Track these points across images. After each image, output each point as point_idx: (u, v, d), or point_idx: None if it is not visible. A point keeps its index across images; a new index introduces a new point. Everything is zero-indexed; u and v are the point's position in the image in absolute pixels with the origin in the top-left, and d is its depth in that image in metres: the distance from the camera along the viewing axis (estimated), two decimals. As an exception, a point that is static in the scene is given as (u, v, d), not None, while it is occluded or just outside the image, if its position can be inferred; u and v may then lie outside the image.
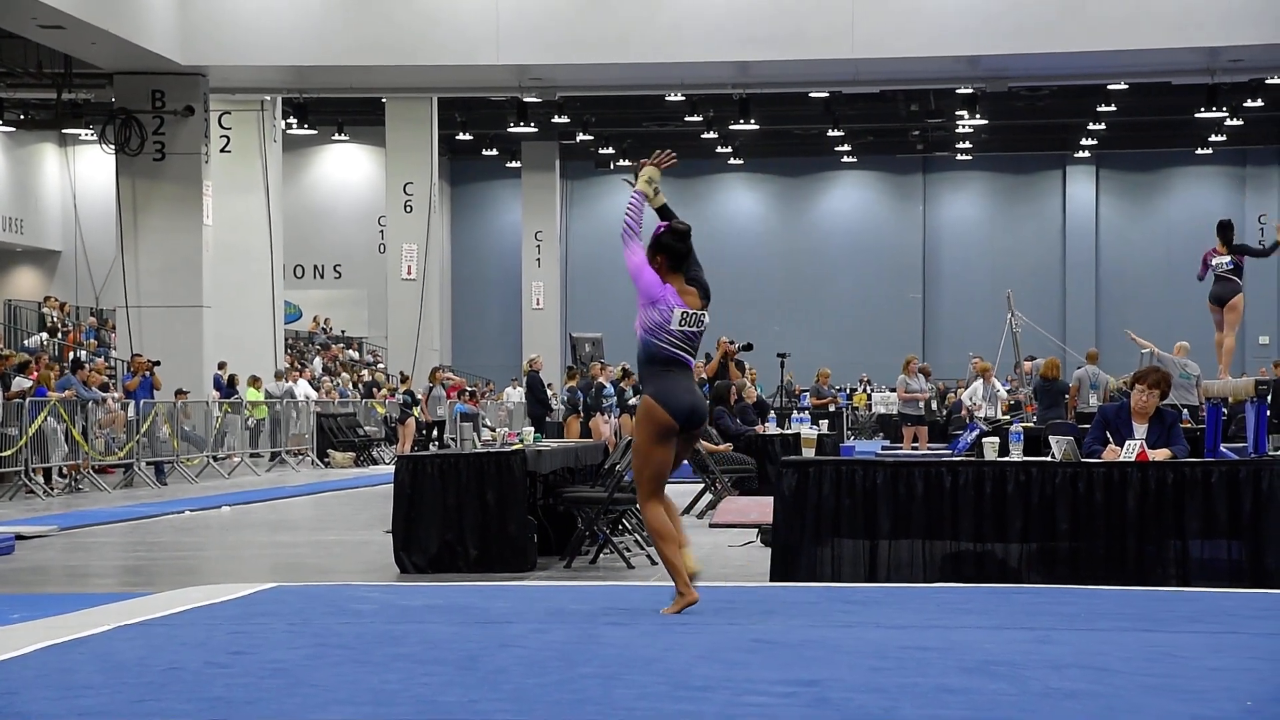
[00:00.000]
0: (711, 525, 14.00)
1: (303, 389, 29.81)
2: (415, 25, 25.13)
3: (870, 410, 38.38)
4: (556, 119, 34.88)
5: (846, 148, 44.97)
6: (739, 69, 26.01)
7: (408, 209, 35.16)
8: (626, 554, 10.84)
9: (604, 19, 24.92)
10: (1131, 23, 24.00)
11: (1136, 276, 47.02)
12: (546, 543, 11.01)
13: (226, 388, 27.17)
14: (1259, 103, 32.35)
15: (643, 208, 7.48)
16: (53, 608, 8.08)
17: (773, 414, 21.41)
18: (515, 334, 46.07)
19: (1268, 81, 29.73)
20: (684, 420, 7.31)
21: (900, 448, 24.80)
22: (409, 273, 34.94)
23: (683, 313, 7.29)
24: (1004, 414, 22.20)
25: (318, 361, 36.21)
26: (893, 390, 29.87)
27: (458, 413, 27.89)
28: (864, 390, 41.19)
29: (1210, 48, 24.32)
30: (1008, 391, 24.45)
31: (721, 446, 16.35)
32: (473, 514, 10.46)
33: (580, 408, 23.31)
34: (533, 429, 12.90)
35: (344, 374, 35.68)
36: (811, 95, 34.27)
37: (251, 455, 25.97)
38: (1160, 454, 9.05)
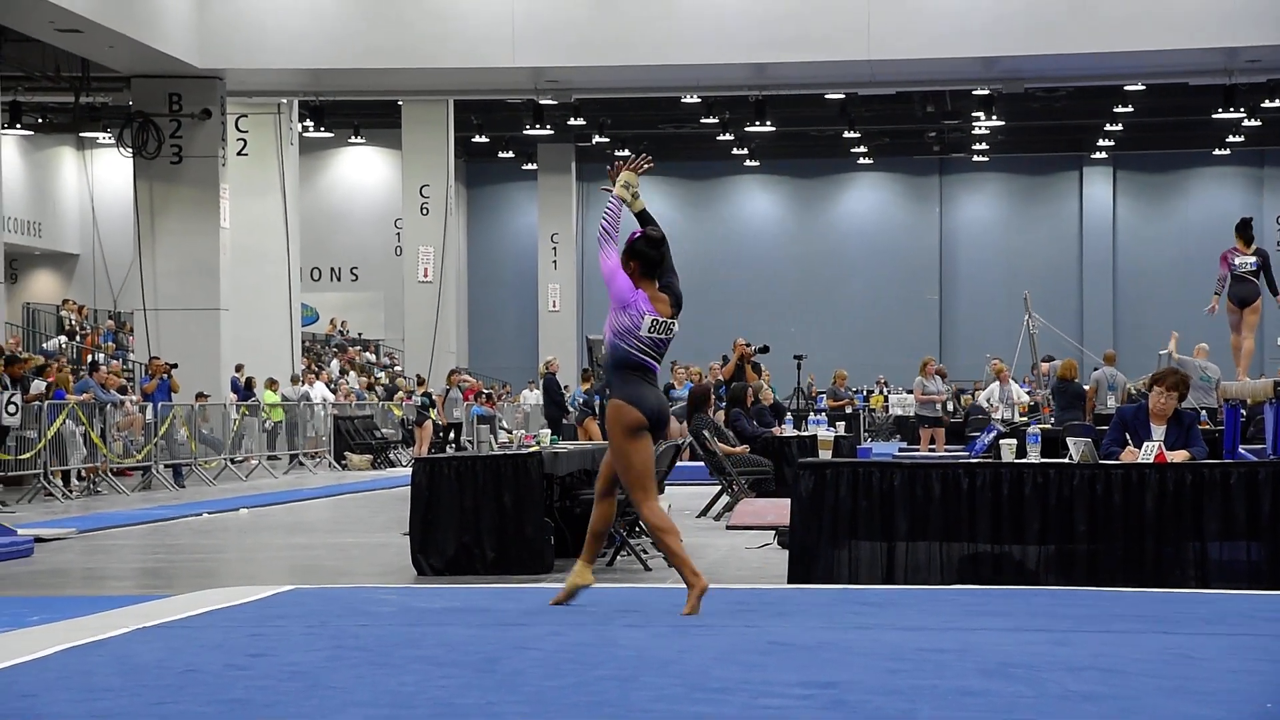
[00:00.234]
0: (728, 527, 13.99)
1: (319, 391, 29.86)
2: (431, 28, 25.16)
3: (887, 412, 38.30)
4: (572, 121, 34.91)
5: (862, 149, 44.93)
6: (755, 71, 26.00)
7: (424, 211, 35.20)
8: (644, 556, 10.84)
9: (619, 21, 24.92)
10: (1148, 23, 23.94)
11: (1154, 278, 46.90)
12: (564, 545, 11.01)
13: (244, 390, 27.23)
14: (1277, 103, 32.23)
15: (620, 212, 7.54)
16: (71, 610, 8.10)
17: (789, 416, 21.38)
18: (531, 336, 46.09)
19: (1286, 82, 29.65)
20: (652, 420, 7.39)
21: (917, 450, 24.77)
22: (425, 275, 34.96)
23: (653, 320, 7.37)
24: (1022, 416, 22.16)
25: (335, 364, 36.27)
26: (909, 392, 29.83)
27: (474, 415, 27.94)
28: (881, 392, 41.13)
29: (1228, 48, 24.24)
30: (1028, 393, 24.40)
31: (738, 449, 16.34)
32: (490, 516, 10.47)
33: (596, 410, 23.31)
34: (549, 431, 12.90)
35: (352, 374, 35.66)
36: (827, 97, 34.24)
37: (269, 458, 26.02)
38: (1179, 455, 9.03)
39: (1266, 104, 32.47)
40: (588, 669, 5.77)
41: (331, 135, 35.64)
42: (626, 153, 44.09)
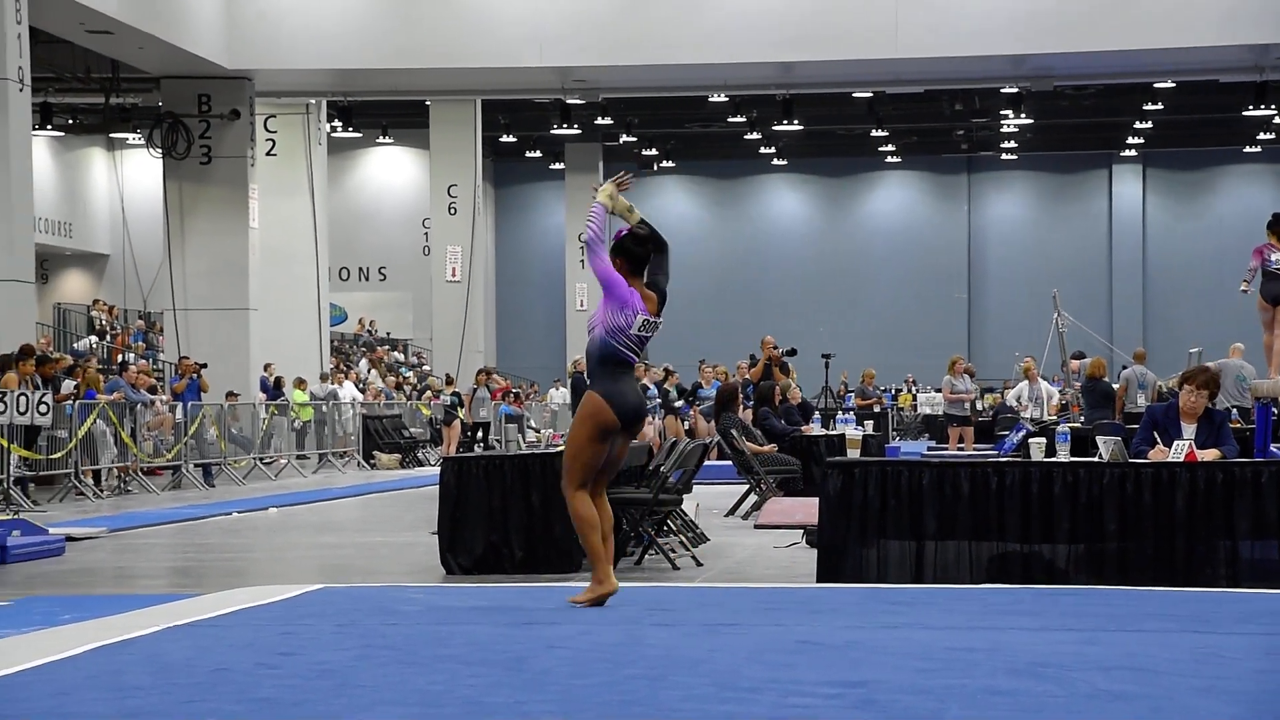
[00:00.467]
0: (756, 526, 13.98)
1: (349, 391, 29.93)
2: (459, 28, 25.21)
3: (915, 411, 38.25)
4: (600, 121, 34.94)
5: (890, 148, 44.84)
6: (782, 69, 25.97)
7: (452, 211, 35.26)
8: (671, 555, 10.83)
9: (646, 20, 24.93)
10: (1178, 20, 23.83)
11: (1184, 276, 46.69)
12: (591, 544, 10.99)
13: (273, 390, 27.32)
14: (1308, 100, 32.07)
15: (605, 218, 7.58)
16: (102, 609, 8.14)
17: (817, 415, 21.35)
18: (559, 335, 46.10)
19: (1318, 79, 29.47)
20: (629, 421, 7.56)
21: (946, 448, 24.70)
22: (453, 275, 35.02)
23: (644, 319, 7.51)
24: (1051, 415, 22.08)
25: (363, 363, 36.35)
26: (938, 391, 29.76)
27: (502, 414, 27.98)
28: (909, 391, 41.05)
29: (1258, 45, 24.11)
30: (1059, 391, 24.30)
31: (766, 448, 16.32)
32: (518, 515, 10.48)
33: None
34: (577, 430, 12.88)
35: (373, 371, 35.71)
36: (855, 95, 34.18)
37: (298, 457, 26.10)
38: (1209, 454, 8.99)
39: (1297, 101, 32.31)
40: (617, 668, 5.77)
41: (360, 135, 35.74)
42: (654, 152, 44.21)
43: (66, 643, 6.49)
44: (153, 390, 23.02)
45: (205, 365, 23.45)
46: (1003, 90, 29.52)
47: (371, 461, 27.54)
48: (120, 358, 29.92)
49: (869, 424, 25.41)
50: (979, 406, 27.49)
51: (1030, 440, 9.43)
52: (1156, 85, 33.52)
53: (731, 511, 15.26)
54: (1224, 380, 20.21)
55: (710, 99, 32.64)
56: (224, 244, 26.20)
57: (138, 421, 20.35)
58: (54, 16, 22.02)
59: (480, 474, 10.59)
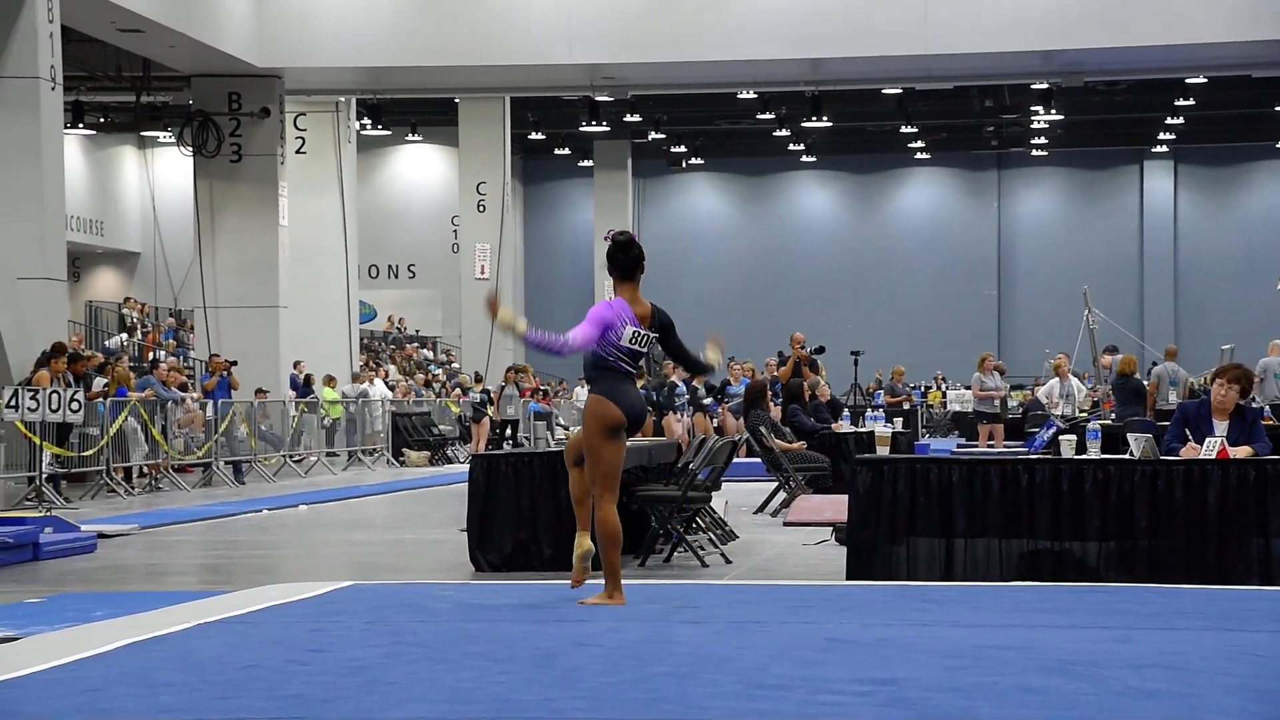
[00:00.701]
0: (785, 524, 13.96)
1: (379, 389, 30.00)
2: (487, 26, 25.23)
3: (945, 408, 38.12)
4: (628, 118, 34.88)
5: (920, 144, 44.71)
6: (811, 66, 25.91)
7: (481, 209, 35.29)
8: (700, 552, 10.83)
9: (675, 17, 24.91)
10: (1210, 15, 23.69)
11: (1216, 273, 46.45)
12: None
13: (302, 387, 27.39)
14: (1341, 95, 31.89)
15: (540, 337, 7.64)
16: (133, 606, 8.18)
17: (846, 412, 21.29)
18: (588, 333, 46.06)
19: (1350, 73, 29.27)
20: (633, 417, 7.61)
21: (976, 446, 24.61)
22: (482, 272, 35.06)
23: (634, 332, 7.60)
24: (1082, 412, 21.98)
25: (392, 369, 36.41)
26: (968, 388, 29.65)
27: (531, 412, 28.00)
28: (939, 388, 40.92)
29: (1291, 39, 23.97)
30: (1090, 388, 24.19)
31: (795, 445, 16.29)
32: (547, 513, 10.48)
33: (652, 406, 23.30)
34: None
35: (392, 368, 35.77)
36: (884, 92, 34.08)
37: (328, 454, 26.17)
38: (1241, 451, 8.94)
39: (1330, 96, 32.13)
40: (646, 665, 5.77)
41: (389, 133, 35.80)
42: (683, 149, 44.16)
43: (98, 639, 6.52)
44: (183, 388, 23.11)
45: (235, 363, 23.52)
46: (1033, 86, 29.43)
47: (400, 459, 27.59)
48: (151, 355, 30.05)
49: (898, 421, 25.34)
50: (1009, 403, 27.37)
51: (1061, 437, 9.37)
52: (1188, 81, 33.30)
53: (760, 509, 15.24)
54: (1265, 378, 20.08)
55: (739, 95, 32.59)
56: (254, 242, 26.29)
57: (169, 419, 20.44)
58: (85, 15, 22.13)
59: (509, 471, 10.60)
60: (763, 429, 15.55)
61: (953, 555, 8.86)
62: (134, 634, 6.65)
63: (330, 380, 28.03)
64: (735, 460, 12.94)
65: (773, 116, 35.65)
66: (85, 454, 18.42)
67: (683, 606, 7.57)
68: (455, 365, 37.99)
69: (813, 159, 46.58)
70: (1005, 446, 23.00)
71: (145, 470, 20.31)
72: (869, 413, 21.06)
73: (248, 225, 26.25)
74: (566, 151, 45.02)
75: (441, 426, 29.93)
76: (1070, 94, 32.63)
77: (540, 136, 41.15)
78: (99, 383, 19.98)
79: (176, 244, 35.96)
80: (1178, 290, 46.95)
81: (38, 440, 16.85)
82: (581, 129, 34.07)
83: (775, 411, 18.35)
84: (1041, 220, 48.02)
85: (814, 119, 28.97)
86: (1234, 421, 9.22)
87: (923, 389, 40.36)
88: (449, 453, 28.85)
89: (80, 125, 31.80)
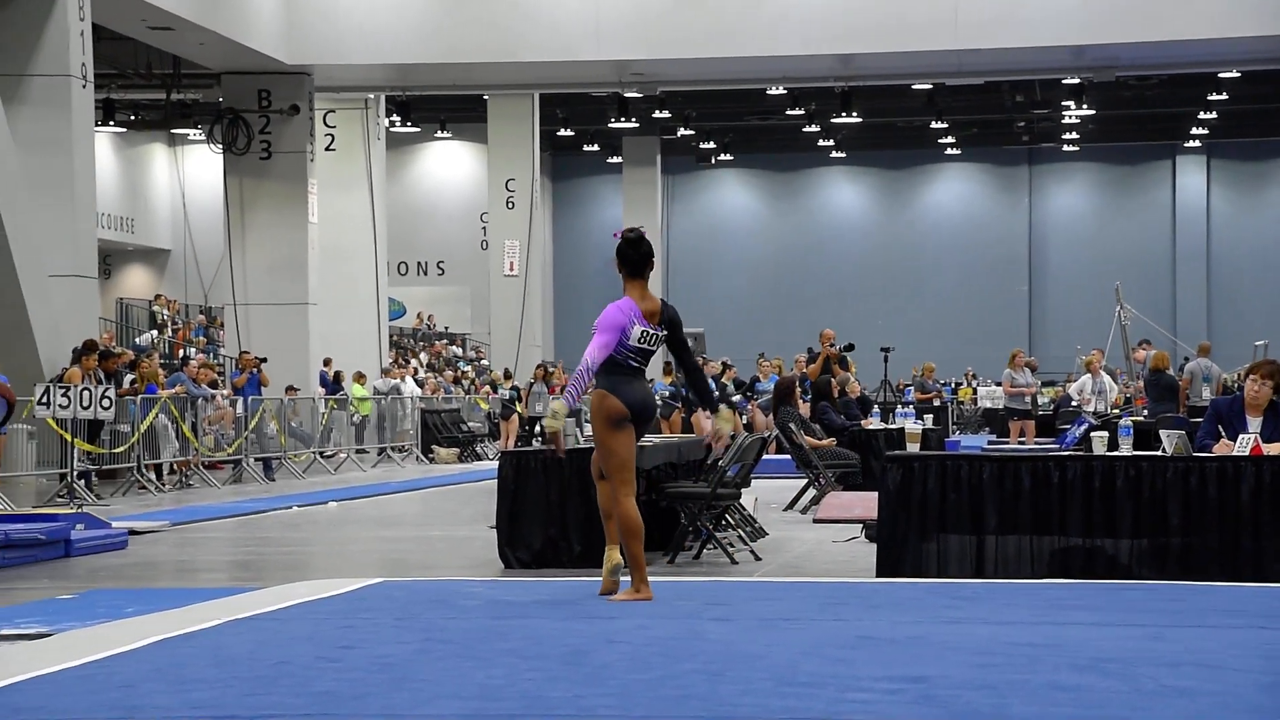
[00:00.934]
0: (815, 521, 13.93)
1: (409, 386, 30.06)
2: (516, 22, 25.26)
3: (975, 404, 37.99)
4: (657, 114, 34.88)
5: (950, 140, 44.54)
6: (841, 61, 25.86)
7: (510, 205, 35.33)
8: (730, 549, 10.81)
9: (704, 12, 24.88)
10: (1242, 8, 23.56)
11: (1249, 268, 46.19)
12: (650, 538, 10.93)
13: (332, 384, 27.45)
14: (1375, 89, 31.65)
15: (572, 385, 7.71)
16: (164, 602, 8.20)
17: (876, 408, 21.25)
18: (617, 329, 46.06)
19: (1384, 67, 29.06)
20: (636, 410, 7.67)
21: (1006, 442, 24.52)
22: (511, 269, 35.10)
23: (642, 331, 7.68)
24: (1115, 408, 21.89)
25: (423, 357, 36.49)
26: (998, 384, 29.56)
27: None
28: (969, 384, 40.78)
29: (1324, 33, 23.82)
30: (1123, 384, 24.07)
31: (825, 442, 16.25)
32: (576, 509, 10.48)
33: (681, 403, 23.28)
34: (635, 424, 12.86)
35: (413, 362, 35.81)
36: (914, 87, 33.99)
37: (357, 451, 26.22)
38: (1275, 448, 8.87)
39: (1364, 90, 31.89)
40: (675, 662, 5.76)
41: (418, 130, 35.87)
42: (712, 145, 44.12)
43: (129, 635, 6.54)
44: (214, 385, 23.19)
45: (265, 360, 23.59)
46: (1064, 81, 29.27)
47: (430, 456, 27.63)
48: (181, 352, 30.17)
49: (928, 418, 25.26)
50: (1040, 400, 27.26)
51: (1092, 434, 9.32)
52: (1220, 75, 33.12)
53: (790, 506, 15.21)
54: None
55: (768, 91, 32.54)
56: (284, 239, 26.37)
57: (199, 416, 20.51)
58: (116, 13, 22.23)
59: (538, 468, 10.61)
60: (792, 425, 15.52)
61: (984, 552, 8.82)
62: (165, 630, 6.67)
63: (360, 377, 28.08)
64: (765, 457, 12.92)
65: (802, 112, 35.59)
66: (116, 451, 18.51)
67: (712, 603, 7.56)
68: (484, 362, 38.05)
69: (842, 155, 46.48)
70: (1036, 443, 22.94)
71: (176, 467, 20.38)
72: (899, 409, 21.01)
73: (277, 222, 26.33)
74: (595, 148, 45.02)
75: (471, 423, 29.96)
76: (1102, 89, 32.48)
77: (569, 133, 41.16)
78: (126, 379, 20.07)
79: (206, 241, 36.10)
80: (1210, 286, 46.71)
81: (69, 437, 16.93)
82: (610, 125, 34.07)
83: (804, 408, 18.31)
84: (1073, 216, 47.83)
85: (844, 115, 28.91)
86: (1267, 418, 9.16)
87: (953, 385, 40.23)
88: (478, 449, 28.88)
89: (111, 123, 31.98)
